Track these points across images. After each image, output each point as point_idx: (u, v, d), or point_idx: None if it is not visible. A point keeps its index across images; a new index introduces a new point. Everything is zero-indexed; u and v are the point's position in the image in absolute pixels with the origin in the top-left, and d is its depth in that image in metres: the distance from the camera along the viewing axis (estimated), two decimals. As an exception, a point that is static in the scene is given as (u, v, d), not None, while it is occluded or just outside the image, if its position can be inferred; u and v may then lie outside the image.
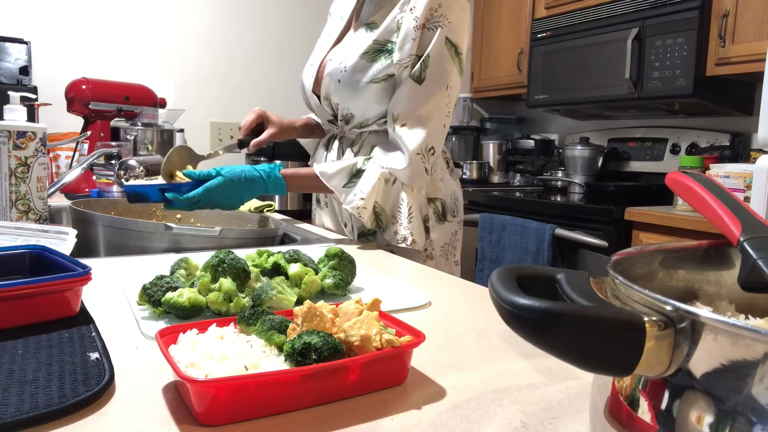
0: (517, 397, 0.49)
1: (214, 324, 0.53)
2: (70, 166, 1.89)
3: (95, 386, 0.45)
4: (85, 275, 0.62)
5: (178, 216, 1.33)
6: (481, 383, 0.51)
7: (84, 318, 0.62)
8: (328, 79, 1.24)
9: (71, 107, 1.90)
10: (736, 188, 1.81)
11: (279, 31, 3.05)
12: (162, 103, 2.10)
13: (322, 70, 1.29)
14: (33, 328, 0.58)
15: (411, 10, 1.14)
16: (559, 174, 2.89)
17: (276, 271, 0.75)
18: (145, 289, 0.65)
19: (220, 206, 1.10)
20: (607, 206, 2.16)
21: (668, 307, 0.28)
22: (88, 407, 0.43)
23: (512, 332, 0.30)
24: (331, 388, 0.46)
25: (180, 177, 1.12)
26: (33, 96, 1.80)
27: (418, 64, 1.14)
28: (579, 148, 2.77)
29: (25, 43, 2.28)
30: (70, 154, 2.01)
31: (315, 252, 1.00)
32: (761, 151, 1.79)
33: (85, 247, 1.04)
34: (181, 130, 2.77)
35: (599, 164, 2.79)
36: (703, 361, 0.27)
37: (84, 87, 1.88)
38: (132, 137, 1.87)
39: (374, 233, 1.24)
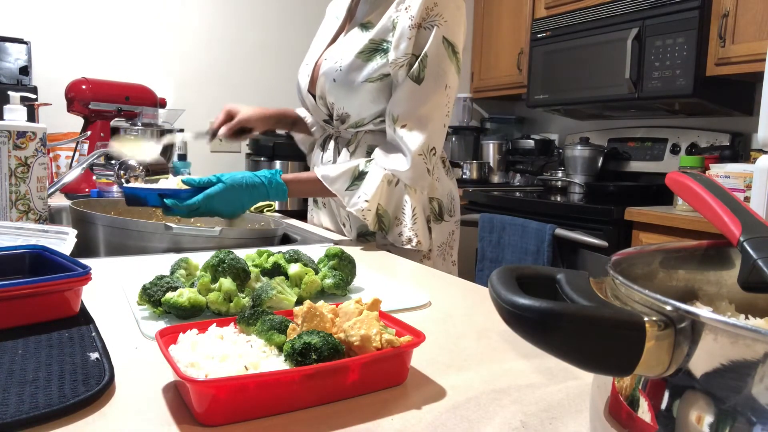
0: (517, 397, 0.49)
1: (214, 324, 0.53)
2: (70, 166, 1.89)
3: (95, 386, 0.45)
4: (85, 275, 0.62)
5: (178, 216, 1.33)
6: (481, 383, 0.51)
7: (84, 318, 0.62)
8: (323, 79, 1.24)
9: (71, 107, 1.90)
10: (736, 188, 1.81)
11: (279, 31, 3.05)
12: (162, 103, 2.10)
13: (317, 70, 1.28)
14: (33, 328, 0.58)
15: (406, 9, 1.14)
16: (559, 174, 2.90)
17: (276, 271, 0.74)
18: (145, 289, 0.65)
19: (220, 214, 1.08)
20: (607, 206, 2.16)
21: (668, 307, 0.28)
22: (88, 407, 0.43)
23: (512, 332, 0.30)
24: (331, 388, 0.46)
25: (179, 184, 1.10)
26: (33, 96, 1.80)
27: (416, 63, 1.14)
28: (579, 148, 2.77)
29: (25, 43, 2.28)
30: (70, 154, 2.01)
31: (315, 252, 1.00)
32: (761, 151, 1.79)
33: (85, 247, 1.04)
34: (181, 130, 2.78)
35: (599, 164, 2.79)
36: (703, 361, 0.27)
37: (84, 87, 1.88)
38: (132, 137, 1.87)
39: (373, 233, 1.24)
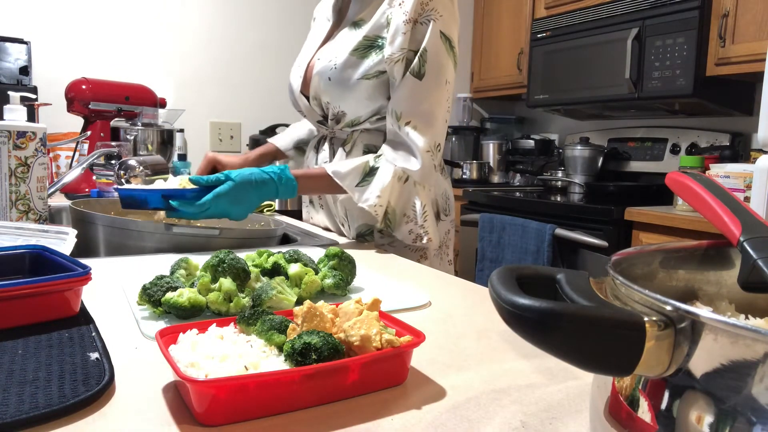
0: (517, 397, 0.49)
1: (214, 324, 0.53)
2: (70, 166, 1.89)
3: (95, 386, 0.45)
4: (85, 275, 0.62)
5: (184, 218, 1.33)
6: (481, 383, 0.51)
7: (84, 318, 0.62)
8: (317, 79, 1.23)
9: (71, 107, 1.90)
10: (736, 188, 1.81)
11: (279, 31, 3.05)
12: (162, 103, 2.10)
13: (310, 71, 1.28)
14: (33, 328, 0.58)
15: (400, 4, 1.14)
16: (559, 174, 2.90)
17: (276, 271, 0.74)
18: (145, 289, 0.65)
19: (228, 215, 1.03)
20: (607, 206, 2.16)
21: (668, 307, 0.28)
22: (88, 407, 0.43)
23: (512, 332, 0.30)
24: (331, 388, 0.46)
25: (186, 183, 1.05)
26: (33, 96, 1.80)
27: (416, 59, 1.13)
28: (579, 148, 2.77)
29: (25, 43, 2.28)
30: (70, 154, 2.01)
31: (315, 252, 1.00)
32: (761, 151, 1.79)
33: (85, 247, 1.04)
34: (181, 130, 2.78)
35: (599, 164, 2.79)
36: (703, 361, 0.27)
37: (84, 87, 1.88)
38: (132, 137, 1.87)
39: (372, 233, 1.24)
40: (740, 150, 2.37)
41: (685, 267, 0.41)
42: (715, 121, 2.53)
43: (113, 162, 1.59)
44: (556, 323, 0.28)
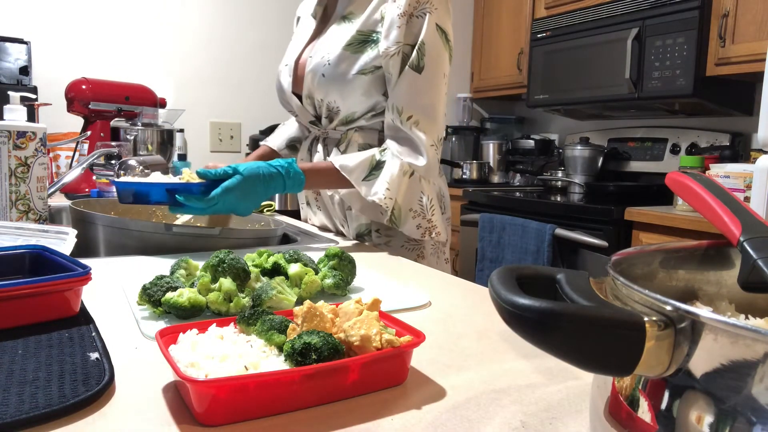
0: (517, 397, 0.49)
1: (214, 324, 0.53)
2: (70, 166, 1.89)
3: (95, 386, 0.45)
4: (85, 275, 0.62)
5: (179, 216, 1.33)
6: (481, 383, 0.51)
7: (84, 318, 0.62)
8: (310, 76, 1.21)
9: (71, 107, 1.90)
10: (736, 188, 1.81)
11: (279, 31, 3.05)
12: (162, 103, 2.10)
13: (301, 69, 1.26)
14: (33, 328, 0.58)
15: (393, 0, 1.14)
16: (559, 174, 2.90)
17: (276, 271, 0.74)
18: (145, 289, 0.65)
19: (236, 210, 1.00)
20: (607, 206, 2.16)
21: (668, 307, 0.28)
22: (88, 407, 0.43)
23: (512, 332, 0.30)
24: (331, 388, 0.46)
25: (191, 176, 1.01)
26: (33, 96, 1.80)
27: (414, 52, 1.13)
28: (579, 148, 2.77)
29: (25, 43, 2.29)
30: (70, 154, 2.01)
31: (315, 252, 1.00)
32: (761, 151, 1.79)
33: (85, 247, 1.04)
34: (181, 130, 2.78)
35: (599, 164, 2.79)
36: (703, 361, 0.27)
37: (84, 87, 1.88)
38: (132, 137, 1.87)
39: (370, 233, 1.24)
40: (740, 150, 2.37)
41: (685, 267, 0.41)
42: (715, 121, 2.53)
43: (113, 162, 1.59)
44: (556, 323, 0.28)
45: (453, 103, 3.57)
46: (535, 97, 2.88)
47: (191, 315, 0.63)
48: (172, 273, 0.73)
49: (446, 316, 0.71)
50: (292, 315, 0.52)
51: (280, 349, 0.48)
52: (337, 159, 1.13)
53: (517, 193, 2.71)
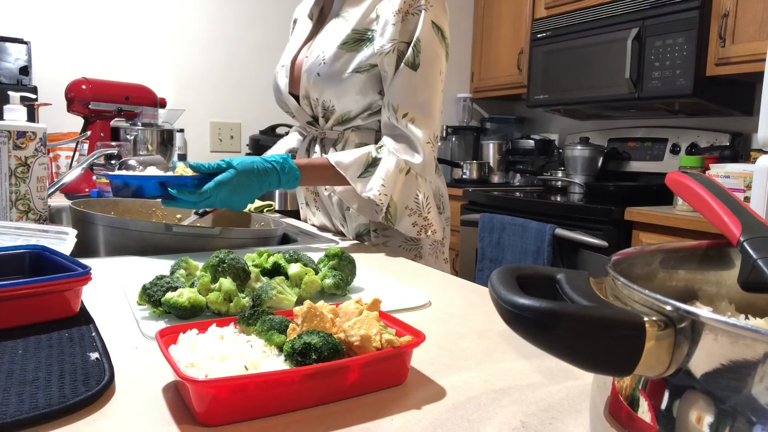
0: (517, 397, 0.49)
1: (214, 324, 0.53)
2: (70, 166, 1.89)
3: (95, 386, 0.45)
4: (85, 275, 0.62)
5: (178, 216, 1.33)
6: (481, 383, 0.51)
7: (84, 318, 0.62)
8: (306, 76, 1.21)
9: (71, 107, 1.90)
10: (736, 188, 1.81)
11: (279, 31, 3.05)
12: (162, 103, 2.10)
13: (297, 70, 1.26)
14: (33, 328, 0.58)
15: None
16: (559, 174, 2.90)
17: (276, 271, 0.74)
18: (145, 289, 0.65)
19: (229, 205, 0.99)
20: (607, 206, 2.16)
21: (668, 307, 0.28)
22: (88, 407, 0.43)
23: (512, 332, 0.30)
24: (331, 388, 0.46)
25: (184, 170, 1.00)
26: (33, 96, 1.80)
27: (410, 50, 1.12)
28: (579, 148, 2.77)
29: (25, 43, 2.29)
30: (70, 154, 2.01)
31: (315, 252, 1.00)
32: (761, 151, 1.79)
33: (85, 247, 1.04)
34: (181, 130, 2.78)
35: (599, 164, 2.80)
36: (703, 361, 0.27)
37: (84, 87, 1.88)
38: (132, 137, 1.87)
39: (369, 233, 1.24)
40: (740, 150, 2.37)
41: (685, 267, 0.41)
42: (715, 121, 2.53)
43: (113, 162, 1.59)
44: (556, 323, 0.28)
45: (453, 103, 3.57)
46: (535, 97, 2.88)
47: (191, 315, 0.63)
48: (172, 273, 0.73)
49: (446, 316, 0.71)
50: (292, 315, 0.52)
51: (280, 349, 0.48)
52: (333, 156, 1.13)
53: (517, 193, 2.71)
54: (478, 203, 2.75)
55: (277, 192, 2.29)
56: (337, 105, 1.20)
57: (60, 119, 2.21)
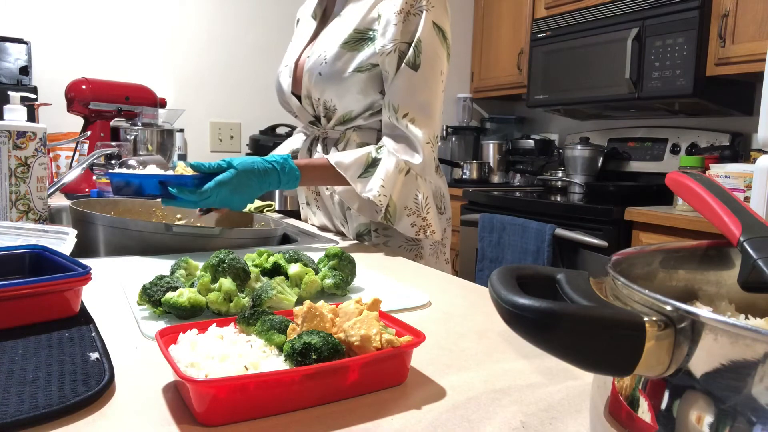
0: (517, 397, 0.49)
1: (214, 324, 0.53)
2: (70, 166, 1.89)
3: (95, 386, 0.45)
4: (85, 275, 0.62)
5: (179, 216, 1.33)
6: (481, 383, 0.51)
7: (84, 318, 0.62)
8: (308, 75, 1.21)
9: (71, 107, 1.90)
10: (736, 188, 1.81)
11: (279, 31, 3.05)
12: (162, 103, 2.10)
13: (300, 70, 1.27)
14: (33, 328, 0.58)
15: None
16: (559, 174, 2.90)
17: (276, 271, 0.74)
18: (145, 289, 0.65)
19: (229, 204, 1.00)
20: (607, 206, 2.16)
21: (668, 307, 0.28)
22: (88, 407, 0.43)
23: (512, 332, 0.30)
24: (331, 388, 0.46)
25: (185, 169, 1.00)
26: (33, 96, 1.80)
27: (411, 50, 1.13)
28: (579, 148, 2.77)
29: (25, 43, 2.28)
30: (70, 154, 2.01)
31: (315, 252, 1.00)
32: (761, 151, 1.79)
33: (85, 247, 1.04)
34: (181, 130, 2.78)
35: (599, 164, 2.79)
36: (703, 361, 0.27)
37: (84, 87, 1.88)
38: (132, 137, 1.87)
39: (370, 233, 1.24)
40: (740, 150, 2.37)
41: (685, 267, 0.41)
42: (715, 121, 2.53)
43: (113, 162, 1.59)
44: (556, 323, 0.28)
45: (453, 103, 3.57)
46: (535, 97, 2.88)
47: (191, 315, 0.63)
48: (172, 273, 0.73)
49: (446, 316, 0.71)
50: (292, 315, 0.52)
51: (280, 349, 0.48)
52: (333, 156, 1.13)
53: (517, 193, 2.71)
54: (478, 203, 2.75)
55: (277, 192, 2.29)
56: (338, 104, 1.20)
57: (60, 119, 2.21)
